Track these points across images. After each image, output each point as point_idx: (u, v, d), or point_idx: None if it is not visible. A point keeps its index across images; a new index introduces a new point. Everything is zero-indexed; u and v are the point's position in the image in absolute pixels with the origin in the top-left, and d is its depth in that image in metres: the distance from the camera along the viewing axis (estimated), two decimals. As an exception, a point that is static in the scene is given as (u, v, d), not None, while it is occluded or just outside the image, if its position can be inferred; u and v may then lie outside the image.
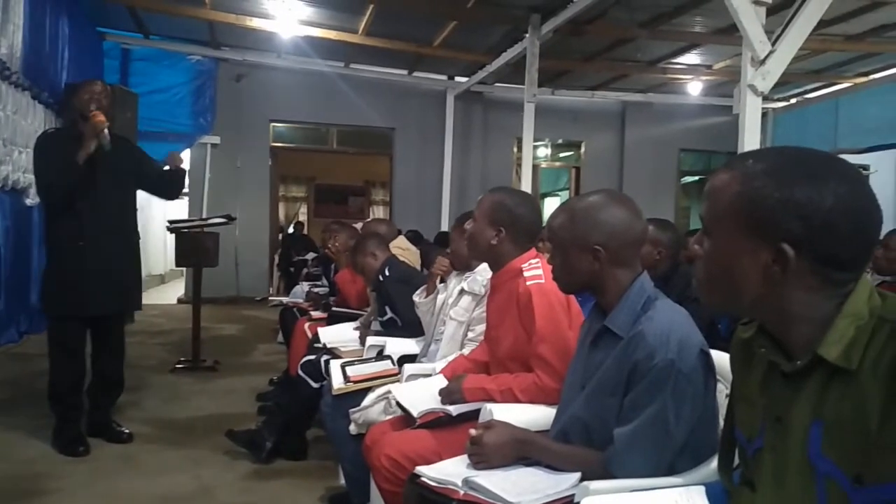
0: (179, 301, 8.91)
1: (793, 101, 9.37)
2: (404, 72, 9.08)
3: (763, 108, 3.67)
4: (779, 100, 9.35)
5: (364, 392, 2.36)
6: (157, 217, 10.03)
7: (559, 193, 11.84)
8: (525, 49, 6.67)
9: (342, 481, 2.50)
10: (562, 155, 10.92)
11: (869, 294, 0.90)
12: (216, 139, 8.55)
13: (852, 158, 7.49)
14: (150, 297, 8.94)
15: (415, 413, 1.88)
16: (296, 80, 8.82)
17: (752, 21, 3.44)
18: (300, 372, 3.05)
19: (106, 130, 3.03)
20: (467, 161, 9.58)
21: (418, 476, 1.53)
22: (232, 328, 7.00)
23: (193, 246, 4.84)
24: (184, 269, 8.64)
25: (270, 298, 6.24)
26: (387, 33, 7.48)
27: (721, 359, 1.37)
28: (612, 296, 1.49)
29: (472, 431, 1.54)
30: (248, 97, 8.74)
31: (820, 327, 0.90)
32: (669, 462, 1.35)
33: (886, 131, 7.60)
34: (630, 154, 10.12)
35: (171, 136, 8.12)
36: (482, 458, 1.51)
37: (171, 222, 5.01)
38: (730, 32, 6.33)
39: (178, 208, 8.78)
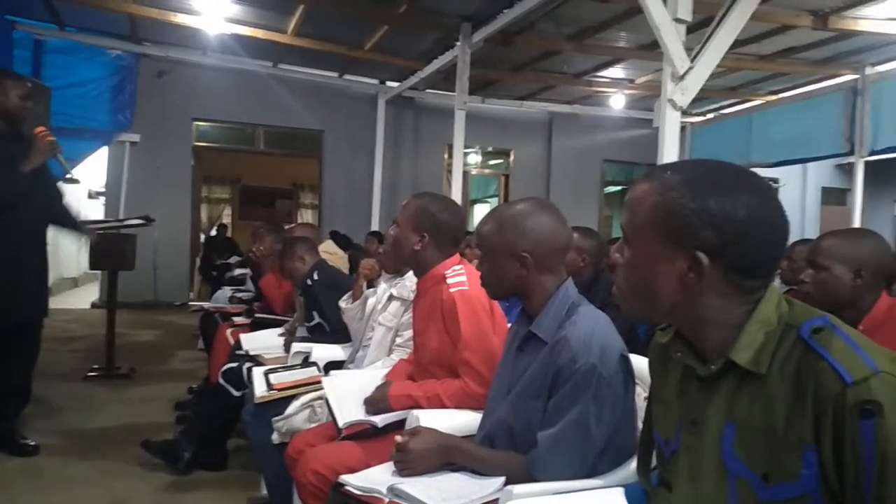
0: (93, 306, 8.47)
1: (709, 115, 9.81)
2: (335, 74, 8.98)
3: (682, 122, 3.82)
4: (697, 114, 9.78)
5: (288, 400, 2.30)
6: (70, 217, 9.50)
7: (489, 200, 12.00)
8: (456, 57, 6.73)
9: (264, 492, 2.44)
10: (492, 162, 11.06)
11: (777, 301, 0.95)
12: (135, 137, 8.21)
13: (763, 172, 7.92)
14: (62, 301, 8.48)
15: (341, 423, 1.85)
16: (221, 79, 8.58)
17: (672, 38, 3.58)
18: (221, 380, 2.96)
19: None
20: (398, 166, 9.56)
21: (342, 485, 1.51)
22: (149, 334, 6.71)
23: (109, 248, 4.60)
24: (98, 272, 8.23)
25: (191, 303, 6.01)
26: (317, 35, 7.38)
27: (640, 363, 1.42)
28: (538, 302, 1.52)
29: (398, 438, 1.53)
30: (171, 94, 8.43)
31: (732, 332, 0.94)
32: (591, 464, 1.37)
33: (794, 147, 8.07)
34: (557, 163, 10.36)
35: (87, 133, 7.74)
36: (408, 465, 1.50)
37: (85, 223, 4.77)
38: (652, 48, 6.58)
39: (94, 208, 8.36)
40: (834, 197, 12.55)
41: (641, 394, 1.47)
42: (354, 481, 1.49)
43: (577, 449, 1.36)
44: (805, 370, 0.86)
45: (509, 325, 1.86)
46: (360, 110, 9.27)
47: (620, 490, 1.20)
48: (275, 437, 2.22)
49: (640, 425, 1.21)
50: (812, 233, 9.42)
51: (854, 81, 7.30)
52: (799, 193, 12.23)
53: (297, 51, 7.81)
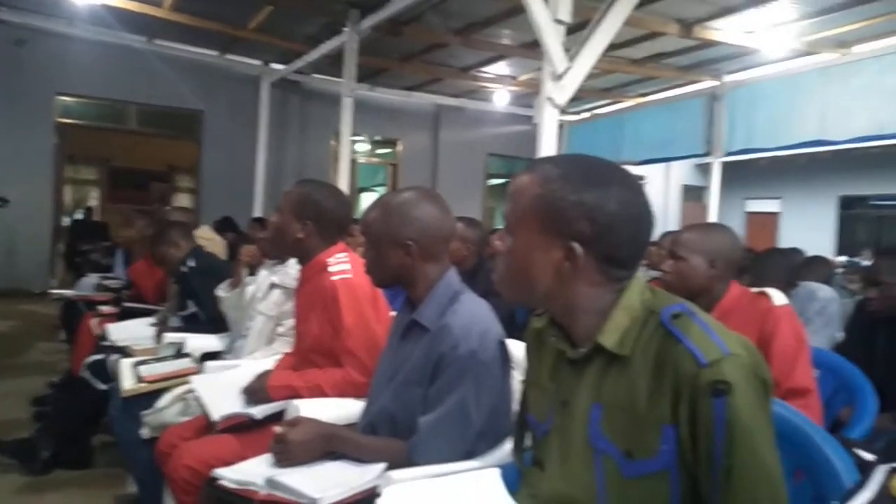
0: (-65, 294, 7.61)
1: (585, 115, 10.27)
2: (215, 53, 8.56)
3: (560, 120, 3.98)
4: (573, 113, 10.21)
5: (159, 393, 2.19)
6: None
7: (376, 189, 11.92)
8: (344, 43, 6.62)
9: (132, 489, 2.31)
10: (379, 151, 10.99)
11: (641, 289, 1.01)
12: (-13, 110, 7.45)
13: (632, 169, 8.42)
14: None
15: (215, 417, 1.78)
16: (90, 51, 7.92)
17: (552, 39, 3.71)
18: (85, 372, 2.77)
19: None
20: (283, 151, 9.28)
21: (216, 479, 1.46)
22: (3, 325, 6.13)
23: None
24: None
25: (51, 291, 5.53)
26: (196, 10, 7.00)
27: (518, 348, 1.47)
28: (422, 290, 1.54)
29: (277, 429, 1.50)
30: (31, 66, 7.68)
31: (600, 318, 0.99)
32: (469, 447, 1.41)
33: (659, 146, 8.63)
34: (443, 155, 10.47)
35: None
36: (286, 457, 1.47)
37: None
38: (533, 47, 6.78)
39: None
40: (693, 194, 13.52)
41: (518, 377, 1.52)
42: (229, 475, 1.45)
43: (457, 432, 1.40)
44: (665, 353, 0.92)
45: (393, 313, 1.87)
46: (243, 92, 8.90)
47: (497, 471, 1.24)
48: (144, 432, 2.10)
49: (516, 408, 1.26)
50: (674, 227, 10.10)
51: (713, 88, 7.90)
52: (662, 190, 13.09)
53: (175, 26, 7.37)
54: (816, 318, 3.06)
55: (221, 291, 2.79)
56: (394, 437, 1.49)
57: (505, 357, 1.47)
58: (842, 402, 2.09)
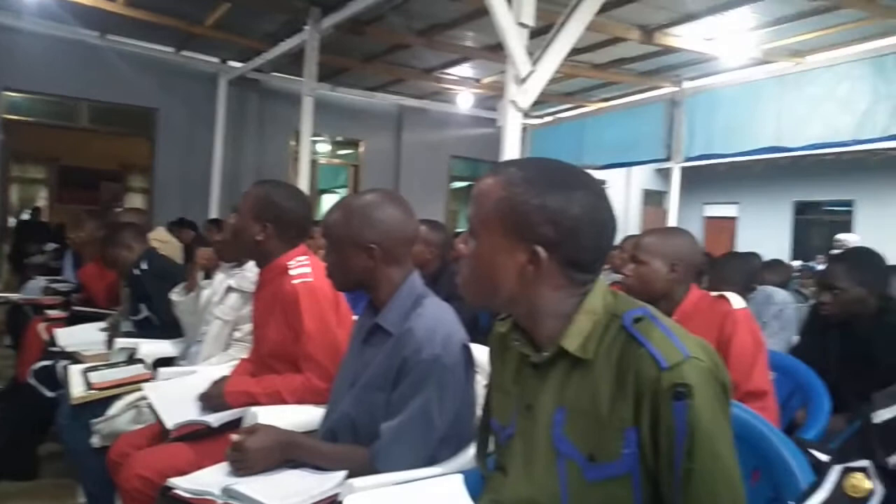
0: None
1: (548, 118, 10.36)
2: (171, 49, 8.37)
3: (523, 124, 3.99)
4: (536, 116, 10.29)
5: (110, 401, 2.12)
6: None
7: (338, 191, 11.82)
8: (304, 41, 6.54)
9: (82, 500, 2.22)
10: (341, 152, 10.90)
11: (604, 293, 1.01)
12: (-73, 105, 7.14)
13: (594, 173, 8.51)
14: None
15: (169, 425, 1.72)
16: (39, 46, 7.65)
17: (516, 42, 3.72)
18: (32, 379, 2.67)
19: None
20: (241, 151, 9.11)
21: (170, 488, 1.41)
22: (-57, 330, 5.88)
23: None
24: None
25: (-5, 295, 5.33)
26: (151, 6, 6.82)
27: (481, 352, 1.46)
28: (385, 293, 1.51)
29: (234, 437, 1.46)
30: (-26, 59, 7.41)
31: (563, 322, 0.99)
32: (432, 453, 1.39)
33: (621, 151, 8.75)
34: (406, 157, 10.43)
35: None
36: (244, 465, 1.43)
37: None
38: (497, 50, 6.80)
39: None
40: (653, 198, 13.76)
41: (481, 382, 1.51)
42: (184, 484, 1.40)
43: (420, 438, 1.38)
44: (627, 356, 0.92)
45: (355, 317, 1.84)
46: (199, 90, 8.71)
47: (460, 476, 1.23)
48: (95, 441, 2.03)
49: (479, 413, 1.25)
50: (634, 231, 10.27)
51: (673, 94, 8.05)
52: (623, 194, 13.29)
53: (130, 21, 7.17)
54: (773, 322, 3.14)
55: (176, 295, 2.72)
56: (355, 443, 1.46)
57: (468, 361, 1.46)
58: (797, 404, 2.14)
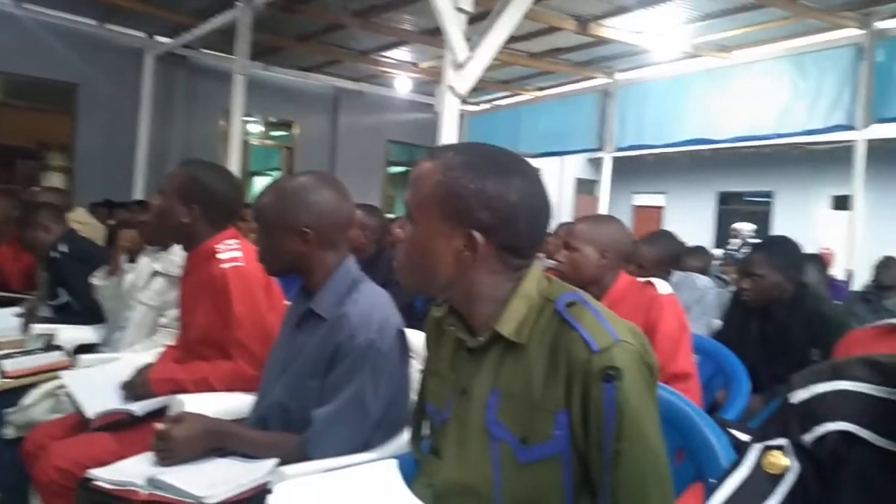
0: None
1: (485, 105, 10.42)
2: (94, 21, 7.95)
3: (460, 110, 4.00)
4: (474, 103, 10.32)
5: (25, 389, 2.02)
6: None
7: (270, 173, 11.55)
8: (236, 18, 6.33)
9: (-7, 495, 2.11)
10: (274, 134, 10.63)
11: (538, 278, 1.03)
12: None
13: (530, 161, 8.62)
14: None
15: (90, 414, 1.65)
16: (-56, 12, 7.15)
17: (454, 27, 3.71)
18: (-63, 368, 2.49)
19: None
20: (167, 129, 8.76)
21: (91, 480, 1.35)
22: None
23: None
24: None
25: None
26: (72, -26, 6.48)
27: (417, 337, 1.45)
28: (319, 278, 1.49)
29: (159, 426, 1.41)
30: None
31: (499, 307, 1.00)
32: (366, 439, 1.38)
33: (555, 140, 8.89)
34: (342, 140, 10.28)
35: None
36: (170, 454, 1.38)
37: None
38: (435, 35, 6.77)
39: None
40: (585, 187, 14.04)
41: (417, 367, 1.51)
42: (105, 475, 1.34)
43: (354, 424, 1.37)
44: (559, 340, 0.94)
45: (287, 302, 1.80)
46: (124, 65, 8.31)
47: (393, 461, 1.23)
48: (8, 432, 1.94)
49: (414, 398, 1.25)
50: (567, 218, 10.46)
51: (606, 85, 8.22)
52: (557, 183, 13.52)
53: (47, -10, 6.79)
54: (695, 307, 3.26)
55: (97, 279, 2.60)
56: (286, 431, 1.43)
57: (404, 346, 1.46)
58: (718, 386, 2.24)
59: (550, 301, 0.99)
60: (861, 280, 5.18)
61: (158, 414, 1.65)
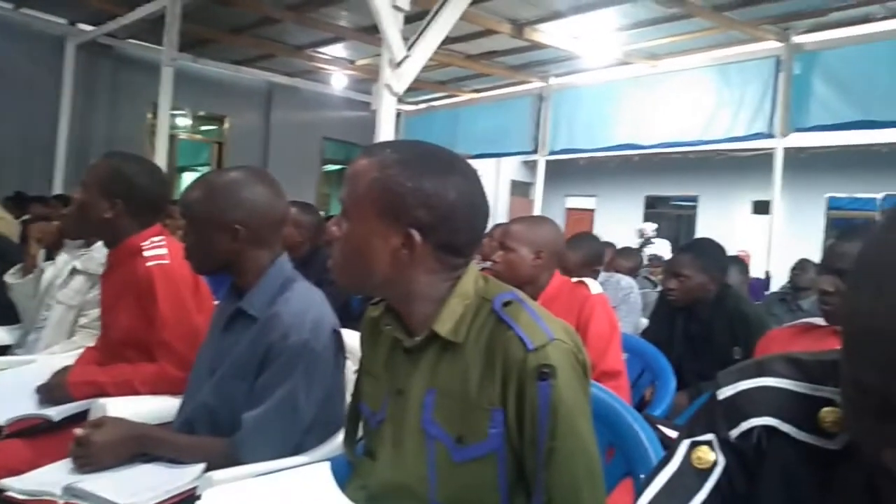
0: None
1: (422, 105, 10.41)
2: (9, 5, 7.51)
3: (398, 109, 3.98)
4: (411, 103, 10.30)
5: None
6: None
7: (200, 168, 11.20)
8: (165, 7, 6.10)
9: None
10: (204, 128, 10.31)
11: (475, 277, 1.03)
12: None
13: (466, 162, 8.66)
14: None
15: (1, 420, 1.55)
16: None
17: (391, 25, 3.69)
18: None
19: None
20: (90, 121, 8.36)
21: (2, 490, 1.27)
22: None
23: None
24: None
25: None
26: (-16, -46, 6.10)
27: (352, 337, 1.44)
28: (250, 277, 1.44)
29: (78, 431, 1.34)
30: None
31: (436, 306, 1.00)
32: (298, 441, 1.36)
33: (491, 142, 8.97)
34: (276, 136, 10.06)
35: None
36: (89, 461, 1.31)
37: None
38: (372, 32, 6.72)
39: None
40: (520, 189, 14.28)
41: (352, 367, 1.49)
42: (19, 485, 1.27)
43: (285, 427, 1.33)
44: (496, 339, 0.95)
45: (216, 302, 1.75)
46: (43, 52, 7.88)
47: (326, 464, 1.21)
48: None
49: (349, 399, 1.23)
50: (503, 219, 10.58)
51: (541, 89, 8.35)
52: (493, 184, 13.68)
53: (-45, -32, 6.37)
54: (622, 306, 3.36)
55: (11, 277, 2.45)
56: (214, 434, 1.39)
57: (339, 347, 1.43)
58: (646, 383, 2.31)
59: (487, 300, 0.99)
60: (778, 281, 5.46)
61: (77, 419, 1.57)
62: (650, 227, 9.02)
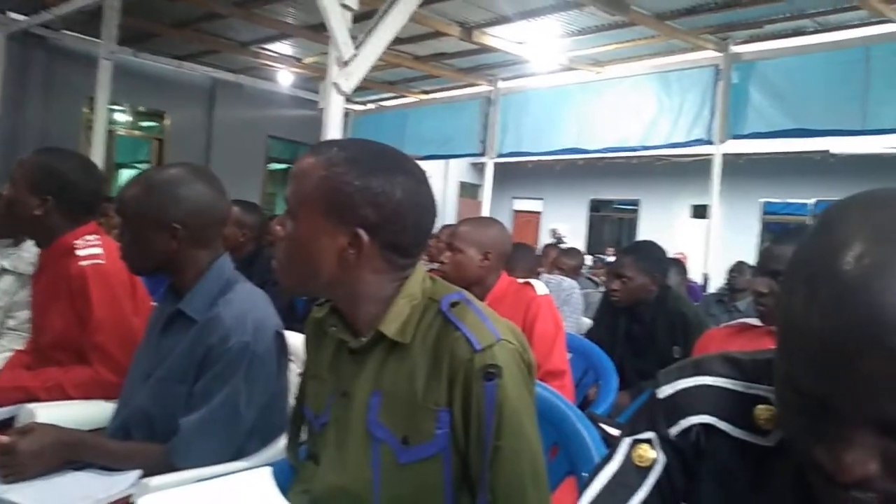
0: None
1: (371, 105, 10.36)
2: (-69, -9, 7.13)
3: (346, 109, 3.95)
4: (359, 103, 10.23)
5: None
6: None
7: (138, 166, 10.85)
8: (103, -1, 5.91)
9: None
10: (143, 124, 9.99)
11: (423, 278, 1.02)
12: None
13: (414, 163, 8.65)
14: None
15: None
16: None
17: (339, 23, 3.66)
18: None
19: None
20: (21, 116, 8.00)
21: (-82, 504, 1.20)
22: None
23: None
24: None
25: None
26: None
27: (296, 340, 1.41)
28: (190, 278, 1.40)
29: (3, 439, 1.27)
30: None
31: (382, 307, 0.99)
32: (238, 446, 1.32)
33: (440, 144, 9.00)
34: (219, 133, 9.84)
35: None
36: (16, 470, 1.25)
37: None
38: (319, 30, 6.65)
39: None
40: (468, 191, 14.37)
41: (295, 370, 1.46)
42: (-63, 498, 1.20)
43: (225, 432, 1.30)
44: (443, 339, 0.94)
45: (153, 303, 1.69)
46: (-31, 42, 7.52)
47: (268, 469, 1.18)
48: None
49: (292, 403, 1.20)
50: (451, 221, 10.64)
51: (489, 92, 8.43)
52: (441, 186, 13.71)
53: None
54: (564, 307, 3.42)
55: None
56: (151, 440, 1.34)
57: (282, 350, 1.40)
58: (589, 382, 2.35)
59: (434, 301, 0.99)
60: (716, 283, 5.64)
61: (4, 426, 1.49)
62: (562, 228, 10.32)
